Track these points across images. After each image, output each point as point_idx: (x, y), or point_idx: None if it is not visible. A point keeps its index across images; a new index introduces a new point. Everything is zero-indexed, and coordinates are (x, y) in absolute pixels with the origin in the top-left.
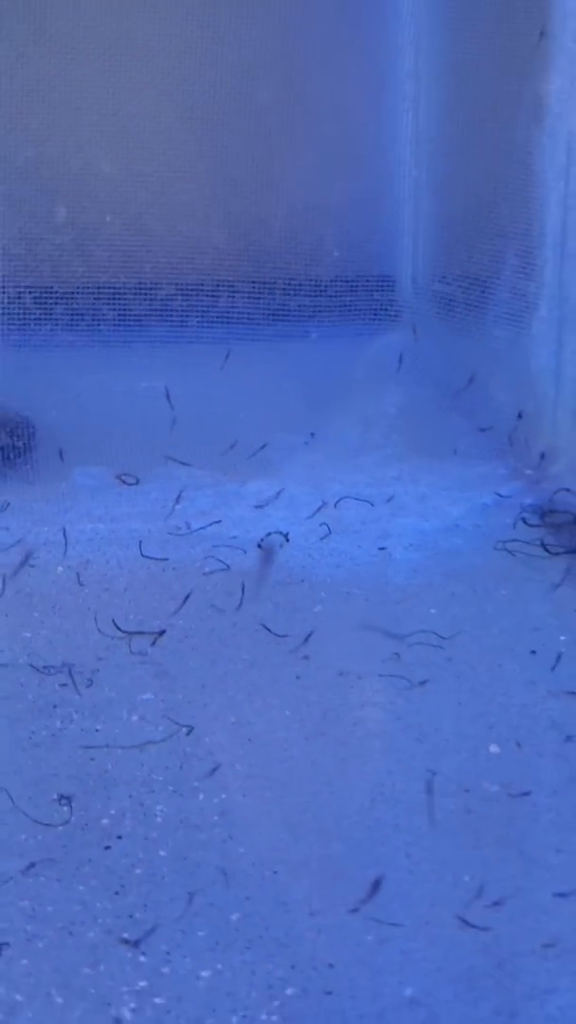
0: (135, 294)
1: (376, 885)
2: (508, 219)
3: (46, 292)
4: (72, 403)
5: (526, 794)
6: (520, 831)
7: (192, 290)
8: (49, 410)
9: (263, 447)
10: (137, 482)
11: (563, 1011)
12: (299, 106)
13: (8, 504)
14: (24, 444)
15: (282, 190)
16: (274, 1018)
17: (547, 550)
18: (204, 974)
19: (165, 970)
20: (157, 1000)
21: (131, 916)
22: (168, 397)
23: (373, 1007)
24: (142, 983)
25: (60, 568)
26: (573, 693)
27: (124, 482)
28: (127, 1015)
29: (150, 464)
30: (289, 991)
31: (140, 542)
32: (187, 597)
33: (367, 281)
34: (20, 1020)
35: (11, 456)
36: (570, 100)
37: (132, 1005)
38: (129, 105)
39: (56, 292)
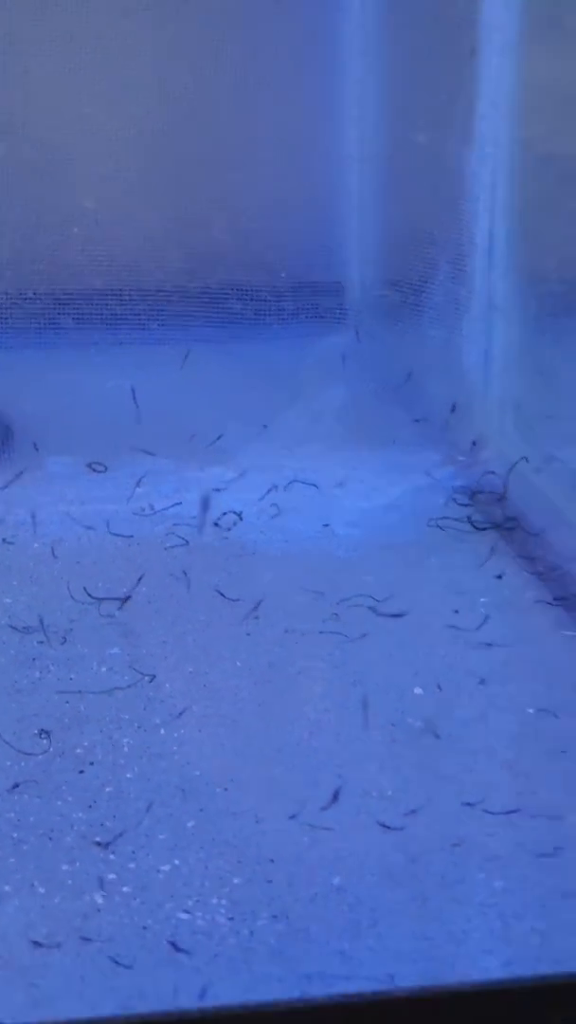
0: (101, 299)
1: (336, 795)
2: (441, 229)
3: (18, 297)
4: (45, 400)
5: (443, 727)
6: (436, 757)
7: (153, 296)
8: (23, 406)
9: (219, 437)
10: (105, 470)
11: (467, 895)
12: (255, 126)
13: None
14: (1, 437)
15: (238, 205)
16: (223, 902)
17: (474, 526)
18: (164, 868)
19: (131, 866)
20: (124, 889)
21: (102, 825)
22: (133, 394)
23: (306, 893)
24: (111, 876)
25: (36, 544)
26: (488, 645)
27: (94, 470)
28: (99, 900)
29: (117, 454)
30: (236, 880)
31: (108, 522)
32: (149, 568)
33: (315, 287)
34: (8, 906)
35: None
36: (495, 116)
37: (103, 893)
38: (89, 120)
39: (27, 297)
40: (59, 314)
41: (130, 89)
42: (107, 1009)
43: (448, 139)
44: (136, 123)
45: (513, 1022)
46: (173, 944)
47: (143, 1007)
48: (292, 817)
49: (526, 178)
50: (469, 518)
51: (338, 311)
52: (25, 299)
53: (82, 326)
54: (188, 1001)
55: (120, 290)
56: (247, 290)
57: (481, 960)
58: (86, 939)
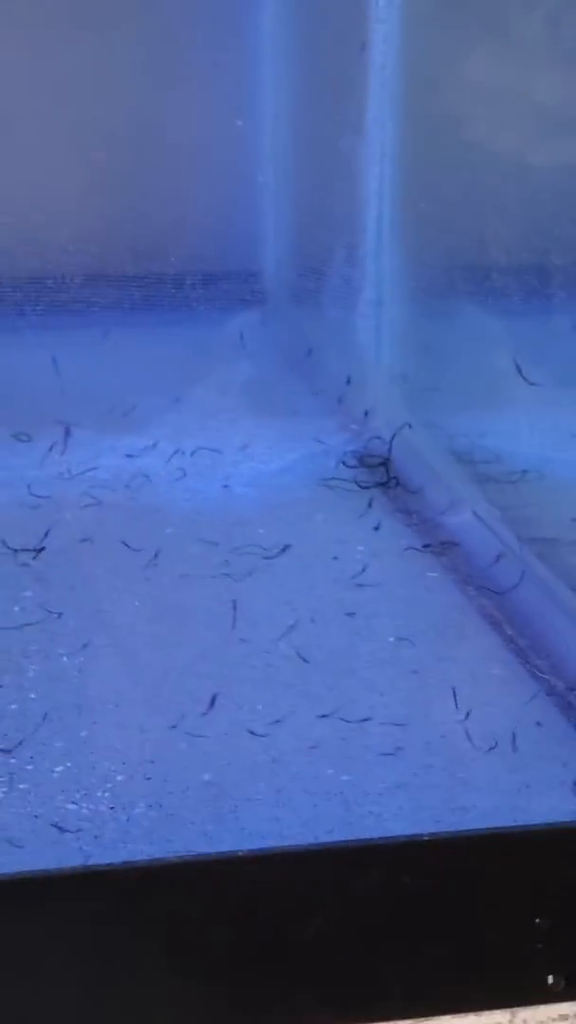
0: (28, 284)
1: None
2: (338, 217)
3: None
4: None
5: (312, 653)
6: (303, 677)
7: (75, 281)
8: None
9: (133, 408)
10: (30, 439)
11: (317, 787)
12: (180, 125)
13: None
14: None
15: (159, 199)
16: (106, 795)
17: (359, 485)
18: (57, 769)
19: (28, 768)
20: (21, 786)
21: (5, 735)
22: (56, 367)
23: (179, 786)
24: (11, 774)
25: None
26: (360, 585)
27: (19, 440)
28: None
29: (41, 425)
30: (119, 778)
31: (29, 484)
32: (64, 524)
33: (228, 273)
34: None
35: None
36: (381, 108)
37: (4, 789)
38: (15, 120)
39: None
40: None
41: (53, 85)
42: None
43: (342, 130)
44: (63, 118)
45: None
46: (58, 827)
47: None
48: (172, 727)
49: (413, 166)
50: (355, 479)
51: (248, 295)
52: None
53: (7, 309)
54: None
55: (45, 275)
56: (164, 276)
57: (323, 837)
58: None
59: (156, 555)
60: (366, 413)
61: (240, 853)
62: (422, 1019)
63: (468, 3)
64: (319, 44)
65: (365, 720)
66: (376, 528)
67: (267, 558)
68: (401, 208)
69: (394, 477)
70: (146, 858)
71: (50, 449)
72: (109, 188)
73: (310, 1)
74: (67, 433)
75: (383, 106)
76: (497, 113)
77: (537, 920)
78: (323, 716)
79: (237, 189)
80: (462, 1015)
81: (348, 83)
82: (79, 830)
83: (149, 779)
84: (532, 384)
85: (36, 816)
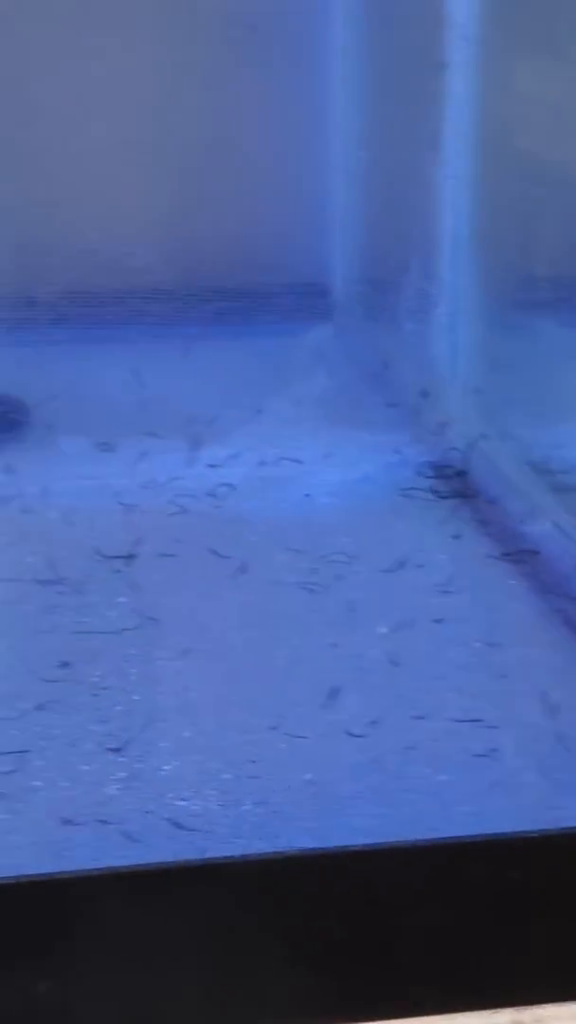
0: (109, 297)
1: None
2: (413, 233)
3: (32, 297)
4: (59, 389)
5: (403, 658)
6: (396, 681)
7: (156, 295)
8: (39, 394)
9: (214, 419)
10: (114, 449)
11: (416, 786)
12: (251, 141)
13: (9, 466)
14: (19, 420)
15: (233, 216)
16: (214, 792)
17: (437, 495)
18: (165, 768)
19: (138, 766)
20: (133, 784)
21: (113, 735)
22: (139, 383)
23: (283, 785)
24: (122, 774)
25: (52, 513)
26: (445, 592)
27: (103, 449)
28: (113, 792)
29: (124, 436)
30: (225, 776)
31: (116, 493)
32: (153, 531)
33: (303, 287)
34: (39, 797)
35: (10, 429)
36: (458, 125)
37: (117, 787)
38: (93, 139)
39: (40, 296)
40: (71, 313)
41: (129, 102)
42: None
43: (418, 147)
44: (136, 135)
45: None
46: (174, 822)
47: None
48: (272, 728)
49: (488, 182)
50: (433, 489)
51: (322, 308)
52: (38, 299)
53: (91, 323)
54: None
55: (126, 291)
56: (240, 290)
57: (425, 834)
58: (103, 821)
59: (244, 562)
60: (441, 425)
61: (351, 848)
62: (524, 1007)
63: (545, 24)
64: (393, 62)
65: (458, 722)
66: (456, 537)
67: (353, 567)
68: (476, 223)
69: (471, 488)
70: (259, 852)
71: (135, 459)
72: (185, 205)
73: (383, 19)
74: (150, 443)
75: (460, 124)
76: (573, 131)
77: None
78: (418, 718)
79: (307, 205)
80: (568, 1003)
81: (425, 101)
82: (193, 829)
83: (254, 778)
84: None
85: (148, 812)
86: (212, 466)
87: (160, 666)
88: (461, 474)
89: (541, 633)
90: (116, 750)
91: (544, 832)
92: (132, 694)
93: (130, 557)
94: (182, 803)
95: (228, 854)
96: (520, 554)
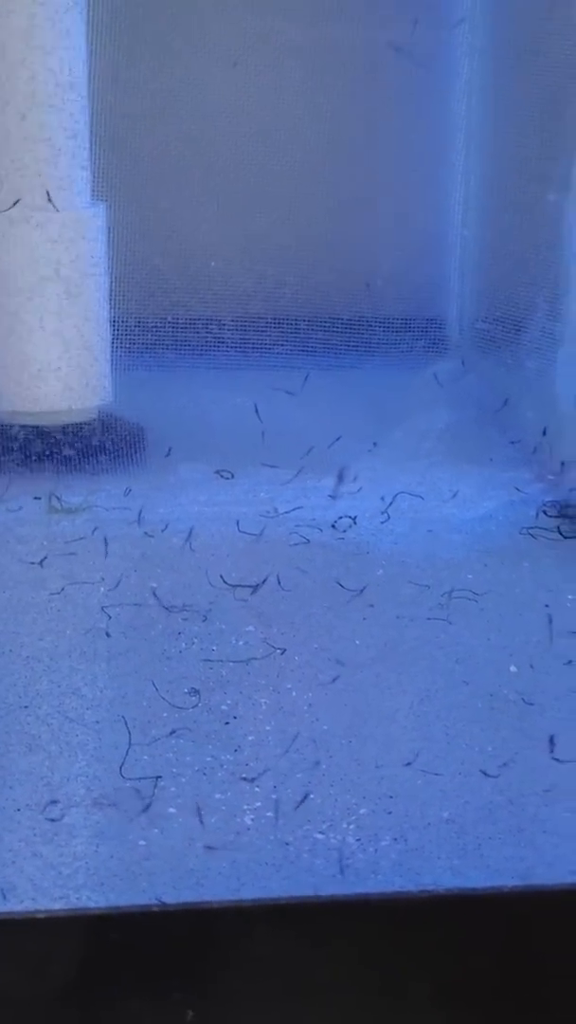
0: (232, 326)
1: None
2: (539, 271)
3: (154, 324)
4: (178, 415)
5: (534, 697)
6: (528, 721)
7: (276, 326)
8: (159, 420)
9: (333, 450)
10: (233, 477)
11: (556, 828)
12: (372, 179)
13: (130, 490)
14: (139, 446)
15: (357, 249)
16: (351, 827)
17: (562, 535)
18: (300, 800)
19: (272, 797)
20: (268, 814)
21: (247, 765)
22: (257, 411)
23: (421, 822)
24: (257, 804)
25: (174, 539)
26: (574, 633)
27: (222, 476)
28: (248, 822)
29: (243, 465)
30: (361, 811)
31: (237, 521)
32: (276, 561)
33: (422, 321)
34: (175, 823)
35: (130, 455)
36: None
37: (251, 817)
38: (235, 177)
39: (164, 323)
40: (192, 339)
41: (276, 150)
42: None
43: (547, 187)
44: (273, 182)
45: None
46: (311, 856)
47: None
48: (407, 764)
49: None
50: (558, 528)
51: (443, 343)
52: (161, 326)
53: (212, 350)
54: None
55: (247, 319)
56: (363, 323)
57: (570, 878)
58: (239, 850)
59: (370, 595)
60: (562, 464)
61: (505, 889)
62: None
63: None
64: (518, 101)
65: None
66: None
67: (479, 604)
68: None
69: None
70: (407, 889)
71: (254, 487)
72: (306, 239)
73: (507, 56)
74: (269, 472)
75: None
76: None
77: None
78: (556, 760)
79: (432, 241)
80: None
81: (555, 140)
82: (328, 860)
83: (390, 813)
84: None
85: (287, 844)
86: (331, 497)
87: (290, 697)
88: None
89: None
90: (249, 780)
91: None
92: (263, 724)
93: (256, 586)
94: (319, 836)
95: (374, 890)
96: None
